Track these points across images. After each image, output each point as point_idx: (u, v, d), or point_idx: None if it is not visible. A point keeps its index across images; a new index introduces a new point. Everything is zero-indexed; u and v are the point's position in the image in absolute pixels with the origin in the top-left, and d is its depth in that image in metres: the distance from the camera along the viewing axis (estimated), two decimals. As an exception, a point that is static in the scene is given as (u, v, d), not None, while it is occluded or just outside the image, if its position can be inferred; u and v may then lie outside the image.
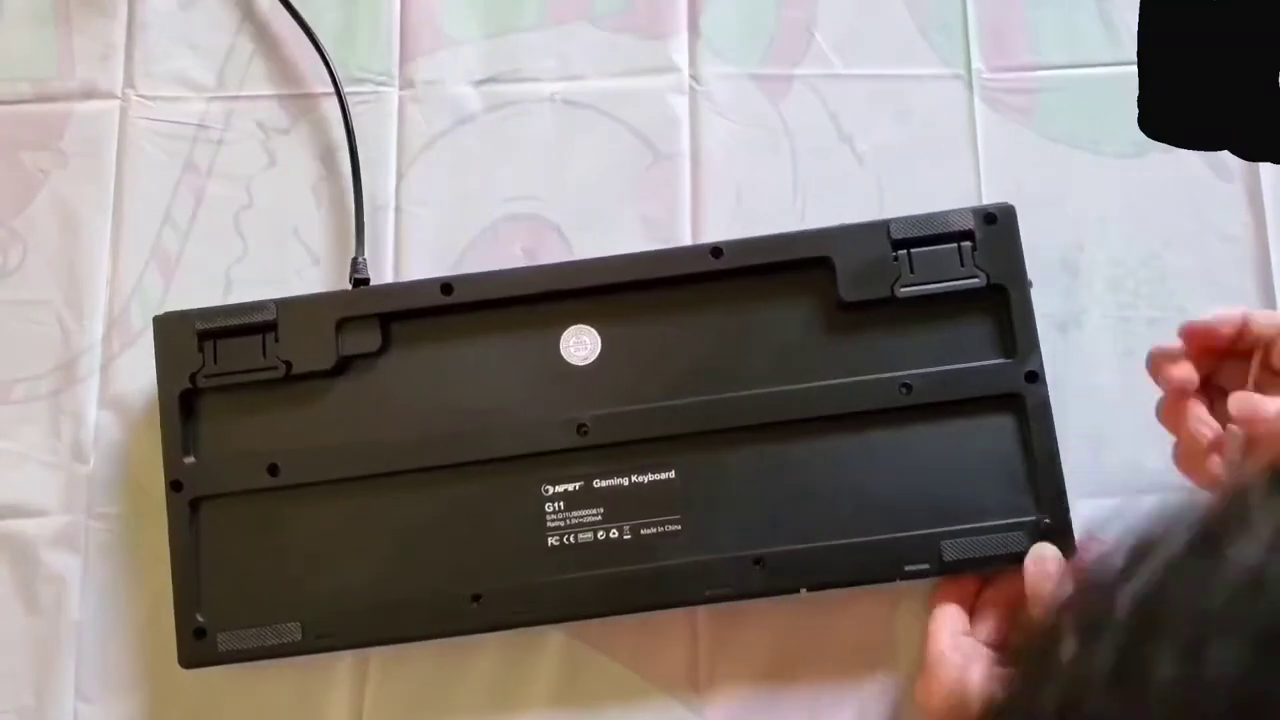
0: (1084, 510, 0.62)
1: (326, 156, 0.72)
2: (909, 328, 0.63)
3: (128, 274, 0.70)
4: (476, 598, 0.61)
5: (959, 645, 0.58)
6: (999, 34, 0.72)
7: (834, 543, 0.61)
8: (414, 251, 0.70)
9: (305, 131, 0.72)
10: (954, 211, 0.63)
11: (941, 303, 0.62)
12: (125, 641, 0.66)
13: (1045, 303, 0.63)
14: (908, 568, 0.60)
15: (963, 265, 0.63)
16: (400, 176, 0.71)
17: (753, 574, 0.60)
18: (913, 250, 0.63)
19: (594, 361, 0.63)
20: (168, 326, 0.64)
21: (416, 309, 0.64)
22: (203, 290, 0.70)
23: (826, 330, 0.63)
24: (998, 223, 0.63)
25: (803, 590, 0.61)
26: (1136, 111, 0.71)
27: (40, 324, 0.69)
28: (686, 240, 0.69)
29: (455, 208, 0.71)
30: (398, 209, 0.71)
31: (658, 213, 0.70)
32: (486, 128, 0.72)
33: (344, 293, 0.66)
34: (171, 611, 0.62)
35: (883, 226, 0.63)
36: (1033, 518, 0.61)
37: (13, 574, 0.67)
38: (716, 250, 0.63)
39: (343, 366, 0.64)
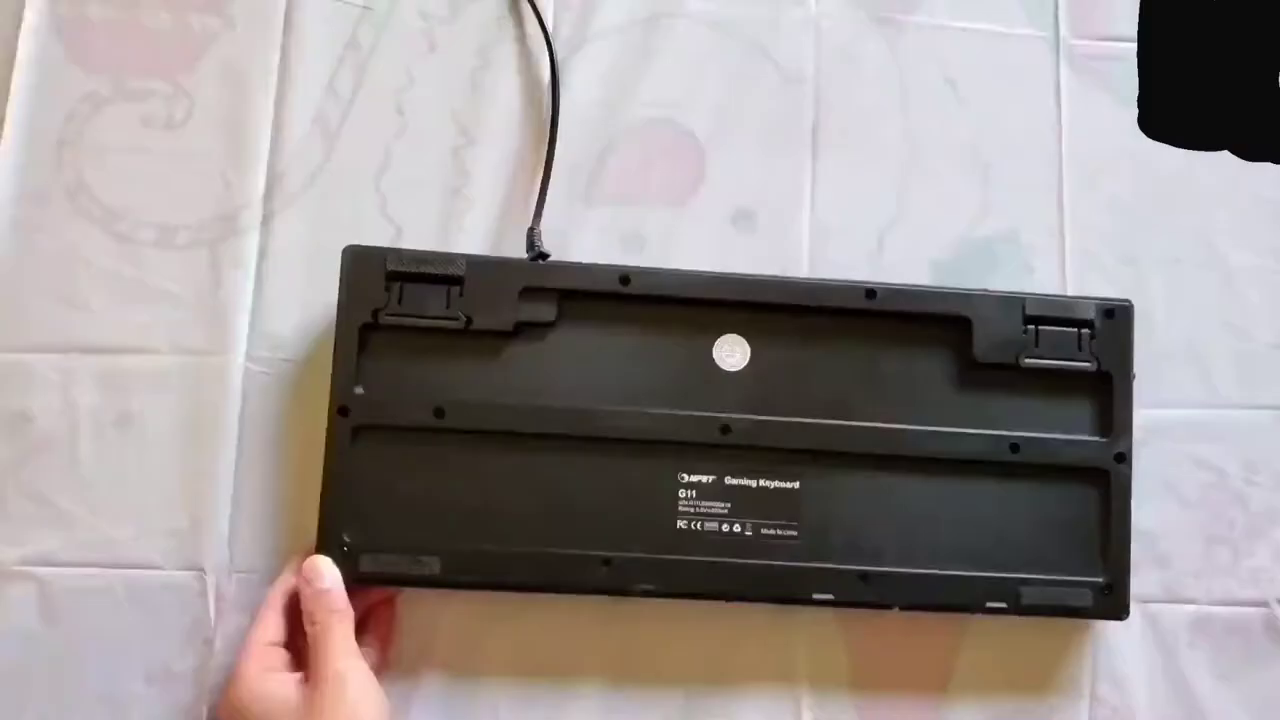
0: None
1: (485, 50, 0.75)
2: (1025, 395, 0.70)
3: (290, 136, 0.73)
4: (606, 561, 0.67)
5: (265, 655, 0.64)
6: (1088, 3, 0.79)
7: (929, 571, 0.68)
8: (558, 147, 0.74)
9: (467, 23, 0.75)
10: (1081, 301, 0.71)
11: (1056, 378, 0.70)
12: (279, 482, 0.70)
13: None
14: (989, 604, 0.68)
15: (1080, 349, 0.70)
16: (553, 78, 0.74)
17: (858, 586, 0.68)
18: (1040, 328, 0.70)
19: (742, 370, 0.69)
20: (358, 259, 0.67)
21: (594, 291, 0.68)
22: (363, 160, 0.73)
23: (955, 382, 0.70)
24: (1115, 318, 0.70)
25: (896, 608, 0.68)
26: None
27: (204, 176, 0.72)
28: (805, 156, 0.76)
29: (600, 112, 0.76)
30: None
31: (778, 133, 0.76)
32: (633, 40, 0.76)
33: (529, 264, 0.69)
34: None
35: (1019, 302, 0.70)
36: (1099, 579, 0.68)
37: (177, 404, 0.70)
38: (871, 292, 0.69)
39: (518, 330, 0.68)
